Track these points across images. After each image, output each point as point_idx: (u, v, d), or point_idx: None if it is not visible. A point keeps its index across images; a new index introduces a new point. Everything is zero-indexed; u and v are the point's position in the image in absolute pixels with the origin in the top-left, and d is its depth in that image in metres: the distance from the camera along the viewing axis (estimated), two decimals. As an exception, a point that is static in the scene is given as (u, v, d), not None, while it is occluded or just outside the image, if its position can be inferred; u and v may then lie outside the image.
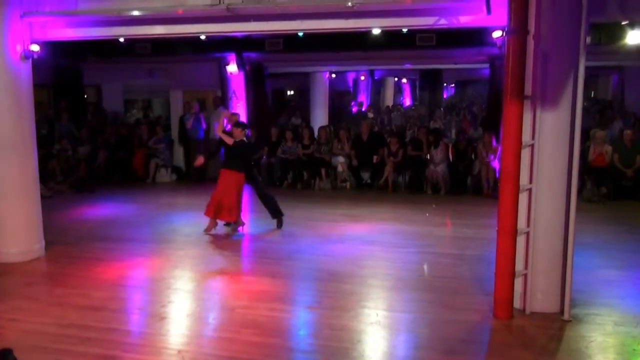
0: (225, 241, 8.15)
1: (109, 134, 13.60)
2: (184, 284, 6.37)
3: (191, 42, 11.88)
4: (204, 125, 13.04)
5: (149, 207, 10.47)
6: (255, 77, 13.56)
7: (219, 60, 13.04)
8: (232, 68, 12.93)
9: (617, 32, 9.57)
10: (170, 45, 12.23)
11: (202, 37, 10.86)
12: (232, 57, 12.84)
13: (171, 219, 9.39)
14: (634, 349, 4.65)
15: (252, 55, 12.98)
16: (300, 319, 5.41)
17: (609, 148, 10.86)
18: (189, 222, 9.27)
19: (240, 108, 13.25)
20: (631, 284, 6.18)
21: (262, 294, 5.95)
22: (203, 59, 13.03)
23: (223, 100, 13.23)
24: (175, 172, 13.48)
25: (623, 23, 8.96)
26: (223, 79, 13.17)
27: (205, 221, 8.20)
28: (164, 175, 13.22)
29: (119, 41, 10.91)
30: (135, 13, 7.11)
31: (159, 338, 4.92)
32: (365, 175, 12.18)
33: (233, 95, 13.18)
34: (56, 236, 7.84)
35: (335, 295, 5.82)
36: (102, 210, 10.18)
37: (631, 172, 10.64)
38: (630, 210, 9.93)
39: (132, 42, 11.79)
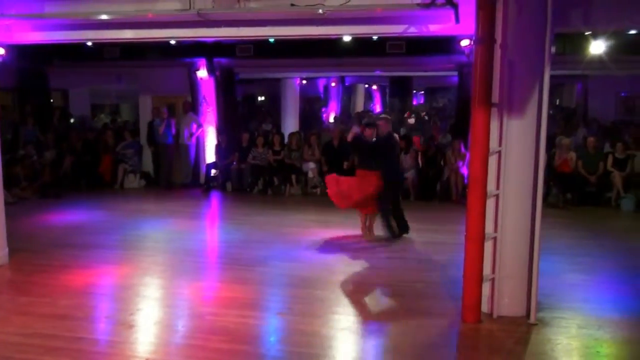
0: (194, 247, 8.08)
1: (75, 139, 13.37)
2: (153, 291, 6.29)
3: (161, 47, 11.80)
4: (173, 131, 12.93)
5: (117, 213, 10.31)
6: (225, 83, 13.51)
7: (189, 66, 12.95)
8: (202, 73, 12.86)
9: (581, 42, 9.85)
10: (140, 50, 12.12)
11: (172, 42, 10.83)
12: (202, 62, 12.77)
13: (140, 226, 9.27)
14: (597, 351, 4.76)
15: (223, 60, 12.93)
16: (271, 326, 5.39)
17: (573, 155, 11.12)
18: (158, 228, 9.18)
19: (210, 114, 13.20)
20: (594, 288, 6.34)
21: (232, 300, 5.92)
22: (173, 64, 12.93)
23: (193, 106, 13.14)
24: (144, 177, 13.31)
25: (586, 33, 9.22)
26: (193, 84, 13.09)
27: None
28: (133, 181, 13.05)
29: (86, 45, 10.79)
30: (104, 17, 7.04)
31: (127, 346, 4.84)
32: (336, 181, 12.19)
33: (203, 100, 13.11)
34: (20, 243, 7.66)
35: (306, 301, 5.82)
36: (69, 217, 9.99)
37: (594, 178, 10.92)
38: (594, 216, 10.19)
39: (100, 46, 11.65)
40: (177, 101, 13.50)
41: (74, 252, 7.64)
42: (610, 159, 10.97)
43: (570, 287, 6.28)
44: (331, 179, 8.42)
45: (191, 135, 13.01)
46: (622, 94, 17.65)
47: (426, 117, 22.60)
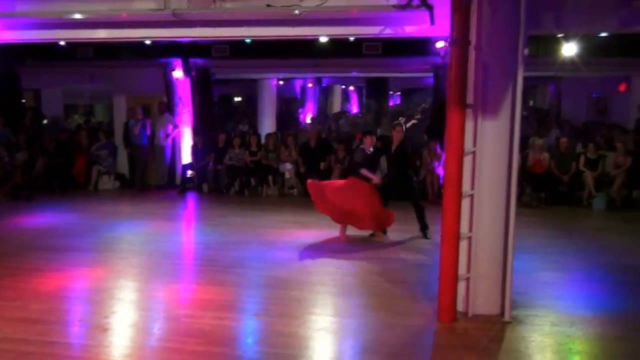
0: (170, 249, 8.01)
1: (47, 140, 13.15)
2: (128, 294, 6.21)
3: (135, 47, 11.67)
4: (148, 132, 12.80)
5: (90, 215, 10.17)
6: (201, 83, 13.42)
7: (164, 66, 12.84)
8: (178, 74, 12.77)
9: (553, 45, 10.00)
10: (114, 50, 11.97)
11: (147, 41, 10.74)
12: (177, 62, 12.67)
13: (114, 228, 9.15)
14: (570, 348, 4.84)
15: (199, 61, 12.85)
16: (248, 327, 5.37)
17: (546, 155, 11.30)
18: (133, 230, 9.08)
19: (186, 114, 13.10)
20: (567, 286, 6.45)
21: (208, 302, 5.88)
22: (148, 64, 12.80)
23: (169, 106, 13.03)
24: (118, 179, 13.16)
25: (559, 36, 9.38)
26: (168, 84, 12.98)
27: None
28: (107, 183, 12.89)
29: (59, 44, 10.63)
30: (77, 16, 6.94)
31: (102, 350, 4.78)
32: (313, 182, 12.21)
33: (179, 101, 13.01)
34: (-9, 246, 7.52)
35: (283, 303, 5.81)
36: (41, 219, 9.82)
37: (567, 178, 11.10)
38: (566, 215, 10.36)
39: (73, 45, 11.48)
40: (152, 102, 13.36)
41: (46, 255, 7.51)
42: (582, 159, 11.17)
43: (544, 286, 6.38)
44: (313, 185, 8.24)
45: (167, 136, 12.90)
46: (594, 96, 18.02)
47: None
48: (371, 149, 8.29)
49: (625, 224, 9.70)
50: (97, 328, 5.19)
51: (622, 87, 16.18)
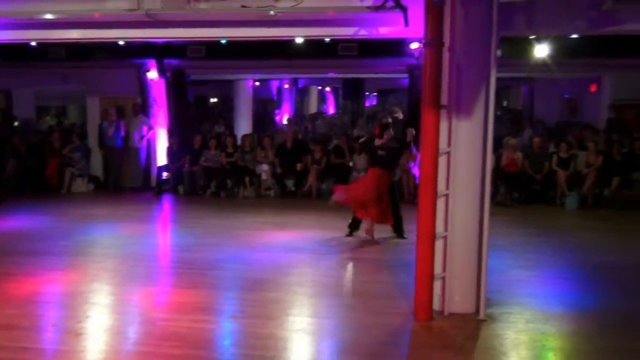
0: (145, 252, 7.93)
1: (19, 141, 12.91)
2: (102, 297, 6.13)
3: (109, 48, 11.51)
4: (122, 133, 12.66)
5: (64, 218, 10.02)
6: (176, 84, 13.32)
7: (138, 67, 12.71)
8: (152, 75, 12.65)
9: (525, 46, 10.16)
10: (87, 50, 11.80)
11: (121, 42, 10.62)
12: (152, 63, 12.55)
13: (88, 231, 9.02)
14: (543, 345, 4.92)
15: (173, 61, 12.74)
16: (225, 329, 5.34)
17: (520, 155, 11.46)
18: (107, 233, 8.97)
19: (161, 116, 12.99)
20: (540, 283, 6.55)
21: (184, 305, 5.83)
22: (121, 64, 12.64)
23: (143, 108, 12.90)
24: (92, 181, 12.98)
25: (531, 37, 9.53)
26: (143, 85, 12.85)
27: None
28: (81, 185, 12.70)
29: (30, 45, 10.45)
30: (49, 16, 6.84)
31: (75, 355, 4.71)
32: (290, 183, 12.22)
33: (154, 102, 12.88)
34: (-40, 251, 7.36)
35: (260, 304, 5.79)
36: (12, 223, 9.64)
37: (540, 177, 11.28)
38: (540, 214, 10.53)
39: (44, 46, 11.29)
40: (126, 103, 13.22)
41: (18, 259, 7.37)
42: (554, 159, 11.35)
43: (518, 284, 6.47)
44: (341, 190, 8.42)
45: (141, 137, 12.77)
46: (566, 96, 18.34)
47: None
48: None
49: (596, 222, 9.90)
50: (71, 333, 5.11)
51: (593, 88, 16.50)
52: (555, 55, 10.27)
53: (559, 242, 8.39)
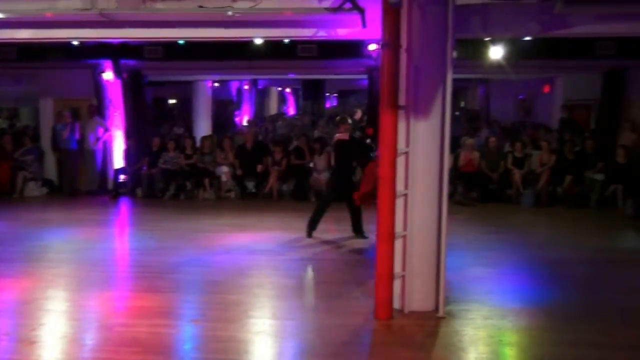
0: (103, 257, 7.76)
1: (-32, 145, 12.48)
2: (58, 304, 5.97)
3: (63, 48, 11.23)
4: (77, 136, 12.36)
5: (16, 223, 9.71)
6: (133, 86, 13.09)
7: (93, 67, 12.43)
8: (108, 75, 12.39)
9: (481, 48, 10.37)
10: (40, 51, 11.47)
11: (75, 42, 10.38)
12: (108, 64, 12.30)
13: (42, 236, 8.77)
14: (500, 340, 5.03)
15: (130, 62, 12.51)
16: (185, 333, 5.27)
17: (477, 154, 11.69)
18: (62, 238, 8.74)
19: (117, 117, 12.75)
20: (498, 280, 6.70)
21: (142, 310, 5.73)
22: (76, 65, 12.35)
23: (99, 109, 12.62)
24: (46, 185, 12.63)
25: (486, 39, 9.74)
26: (98, 86, 12.58)
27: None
28: (34, 189, 12.34)
29: (-21, 45, 10.11)
30: (-2, 15, 6.62)
31: (29, 364, 4.58)
32: (250, 185, 12.16)
33: (110, 104, 12.63)
34: None
35: (221, 307, 5.74)
36: (-38, 229, 9.31)
37: (496, 176, 11.53)
38: (497, 212, 10.76)
39: (-6, 46, 10.94)
40: (81, 104, 12.90)
41: (-32, 266, 7.12)
42: (510, 158, 11.63)
43: (476, 280, 6.60)
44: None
45: (97, 140, 12.50)
46: (520, 97, 18.80)
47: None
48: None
49: (551, 219, 10.19)
50: (25, 341, 4.96)
51: (546, 89, 16.96)
52: (509, 57, 10.51)
53: (516, 239, 8.60)
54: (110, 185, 12.56)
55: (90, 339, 5.14)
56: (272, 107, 26.96)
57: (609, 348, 4.85)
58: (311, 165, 12.01)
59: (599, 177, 11.05)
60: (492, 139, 12.22)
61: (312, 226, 8.40)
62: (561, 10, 6.08)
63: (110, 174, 12.64)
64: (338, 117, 8.83)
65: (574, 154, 11.59)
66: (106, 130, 12.60)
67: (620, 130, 12.61)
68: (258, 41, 9.85)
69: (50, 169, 12.96)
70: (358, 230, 8.40)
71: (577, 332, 5.15)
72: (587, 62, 12.09)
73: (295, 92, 28.22)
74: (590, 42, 10.73)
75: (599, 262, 7.39)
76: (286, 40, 10.42)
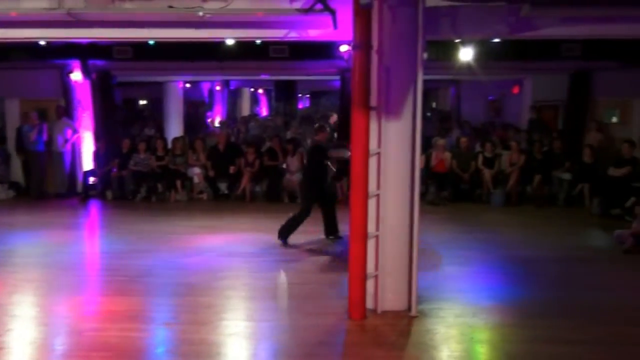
0: (72, 261, 7.62)
1: None
2: (25, 309, 5.84)
3: (29, 48, 10.99)
4: (45, 137, 12.12)
5: (-19, 227, 9.48)
6: (102, 86, 12.89)
7: (61, 68, 12.22)
8: (76, 76, 12.19)
9: (451, 49, 10.50)
10: (5, 50, 11.20)
11: (42, 42, 10.16)
12: (76, 64, 12.10)
13: (8, 240, 8.57)
14: (472, 337, 5.10)
15: (99, 62, 12.32)
16: (157, 337, 5.21)
17: (448, 155, 11.82)
18: (29, 242, 8.56)
19: (86, 118, 12.54)
20: (469, 278, 6.79)
21: (113, 314, 5.65)
22: (43, 65, 12.11)
23: (67, 111, 12.41)
24: (12, 188, 12.36)
25: (456, 41, 9.86)
26: (66, 87, 12.37)
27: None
28: (0, 192, 12.06)
29: (-60, 44, 9.85)
30: (-39, 14, 6.45)
31: (-4, 371, 4.47)
32: (223, 186, 12.09)
33: (78, 105, 12.42)
34: None
35: (193, 310, 5.70)
36: None
37: (467, 176, 11.68)
38: (468, 211, 10.90)
39: (-42, 45, 10.66)
40: (49, 105, 12.67)
41: None
42: (480, 158, 11.78)
43: (449, 279, 6.67)
44: None
45: (66, 141, 12.28)
46: (490, 98, 19.07)
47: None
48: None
49: (520, 218, 10.35)
50: (-9, 348, 4.85)
51: (515, 90, 17.23)
52: (479, 59, 10.68)
53: (486, 238, 8.72)
54: (79, 187, 12.35)
55: (60, 344, 5.05)
56: (245, 108, 26.83)
57: (580, 344, 4.94)
58: (284, 166, 11.99)
59: (567, 176, 11.28)
60: (463, 140, 12.37)
61: (287, 235, 8.20)
62: (528, 12, 6.19)
63: (80, 177, 12.43)
64: (317, 125, 8.79)
65: (543, 154, 11.81)
66: (75, 131, 12.38)
67: (586, 130, 12.89)
68: (229, 42, 9.79)
69: (17, 172, 12.68)
70: (333, 231, 8.40)
71: (548, 329, 5.24)
72: (554, 63, 12.33)
73: (267, 93, 28.12)
74: (556, 44, 10.96)
75: (569, 260, 7.53)
76: (258, 41, 10.38)
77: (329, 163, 8.55)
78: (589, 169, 11.11)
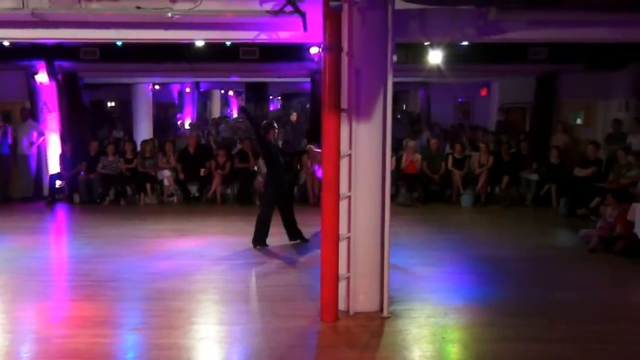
0: (38, 266, 7.45)
1: None
2: (-11, 316, 5.70)
3: (-8, 49, 10.73)
4: (9, 140, 11.84)
5: (-57, 233, 9.20)
6: (69, 88, 12.65)
7: (26, 69, 11.96)
8: (41, 77, 11.93)
9: (421, 52, 10.60)
10: (-33, 51, 10.93)
11: (5, 43, 9.92)
12: (41, 65, 11.84)
13: (-28, 246, 8.36)
14: (443, 337, 5.14)
15: (65, 64, 12.09)
16: (127, 342, 5.12)
17: (418, 156, 11.91)
18: (-6, 247, 8.35)
19: (52, 121, 12.29)
20: (441, 279, 6.85)
21: (82, 320, 5.54)
22: (7, 67, 11.84)
23: (32, 113, 12.14)
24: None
25: (425, 44, 9.96)
26: (32, 89, 12.11)
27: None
28: (-37, 196, 11.75)
29: None
30: None
31: (-42, 381, 4.35)
32: (193, 189, 11.97)
33: (44, 107, 12.16)
34: None
35: (163, 314, 5.62)
36: None
37: (437, 177, 11.80)
38: (439, 212, 11.01)
39: None
40: (13, 107, 12.40)
41: None
42: (450, 159, 11.91)
43: (419, 280, 6.73)
44: None
45: (31, 144, 12.02)
46: (459, 100, 19.34)
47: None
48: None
49: (489, 218, 10.50)
50: (-47, 357, 4.71)
51: (484, 92, 17.51)
52: (448, 61, 10.81)
53: (456, 238, 8.81)
54: (45, 191, 12.09)
55: (27, 351, 4.93)
56: (215, 110, 26.66)
57: (550, 342, 5.02)
58: (255, 168, 11.93)
59: (534, 177, 11.49)
60: (433, 141, 12.50)
61: (261, 240, 8.11)
62: (495, 16, 6.29)
63: (46, 180, 12.17)
64: (264, 123, 8.48)
65: (510, 155, 11.99)
66: (40, 134, 12.13)
67: (553, 131, 13.16)
68: (199, 43, 9.71)
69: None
70: (295, 234, 8.36)
71: (518, 328, 5.32)
72: (521, 66, 12.57)
73: (238, 94, 28.00)
74: (524, 48, 11.18)
75: (537, 259, 7.66)
76: (228, 43, 10.32)
77: (262, 162, 8.47)
78: (556, 170, 11.33)
